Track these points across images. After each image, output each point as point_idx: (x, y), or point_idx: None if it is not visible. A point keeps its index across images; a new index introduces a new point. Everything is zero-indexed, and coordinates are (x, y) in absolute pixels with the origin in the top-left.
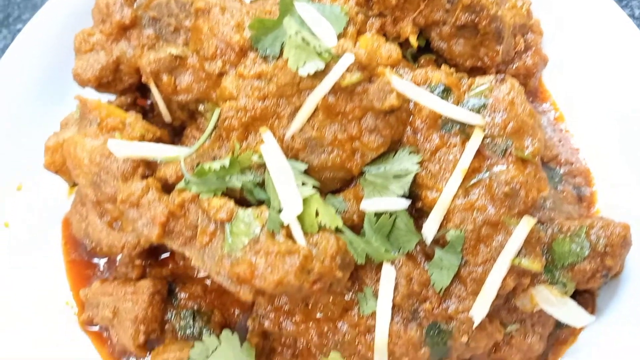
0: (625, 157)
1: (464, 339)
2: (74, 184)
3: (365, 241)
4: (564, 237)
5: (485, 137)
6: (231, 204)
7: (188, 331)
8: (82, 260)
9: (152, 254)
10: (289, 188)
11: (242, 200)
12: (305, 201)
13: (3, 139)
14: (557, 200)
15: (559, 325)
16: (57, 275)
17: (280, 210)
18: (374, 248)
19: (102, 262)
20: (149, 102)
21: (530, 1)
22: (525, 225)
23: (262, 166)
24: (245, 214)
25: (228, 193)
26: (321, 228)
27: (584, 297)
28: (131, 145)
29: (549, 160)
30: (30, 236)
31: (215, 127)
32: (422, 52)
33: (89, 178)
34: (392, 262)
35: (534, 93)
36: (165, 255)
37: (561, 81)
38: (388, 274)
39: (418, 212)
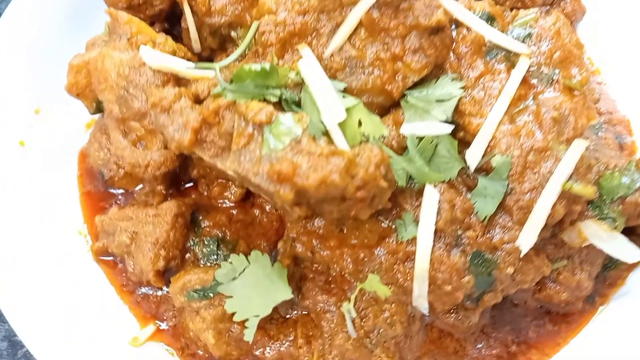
0: None
1: (510, 270)
2: (95, 111)
3: (408, 159)
4: (612, 172)
5: (531, 66)
6: (271, 107)
7: (212, 258)
8: (98, 191)
9: (174, 182)
10: (330, 96)
11: None
12: (348, 111)
13: (25, 59)
14: (599, 145)
15: (606, 267)
16: (71, 205)
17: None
18: (416, 167)
19: (118, 194)
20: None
21: None
22: (577, 148)
23: (299, 86)
24: (286, 118)
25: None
26: (363, 140)
27: (633, 240)
28: (164, 57)
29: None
30: (44, 162)
31: (251, 44)
32: None
33: (115, 92)
34: (435, 186)
35: None
36: (188, 185)
37: (597, 35)
38: (431, 195)
39: (460, 144)
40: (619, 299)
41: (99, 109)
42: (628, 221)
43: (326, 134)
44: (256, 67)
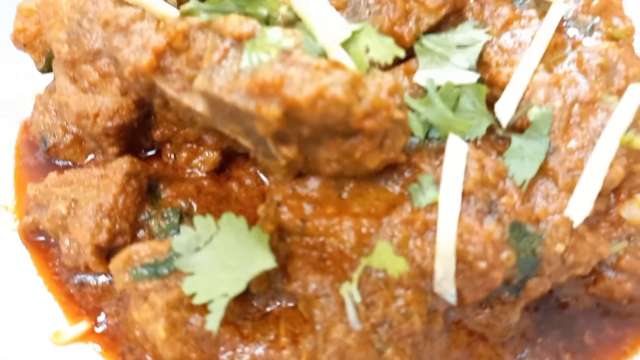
0: None
1: (559, 247)
2: (44, 68)
3: (427, 102)
4: None
5: (565, 14)
6: (255, 21)
7: (171, 234)
8: (38, 164)
9: (132, 148)
10: (328, 13)
11: None
12: (353, 35)
13: None
14: None
15: None
16: (2, 177)
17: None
18: (438, 112)
19: (63, 167)
20: None
21: None
22: (634, 94)
23: (291, 24)
24: (273, 31)
25: None
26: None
27: None
28: None
29: None
30: None
31: None
32: None
33: (66, 28)
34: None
35: None
36: (151, 154)
37: None
38: (456, 146)
39: (486, 102)
40: None
41: (48, 64)
42: None
43: (324, 56)
44: None
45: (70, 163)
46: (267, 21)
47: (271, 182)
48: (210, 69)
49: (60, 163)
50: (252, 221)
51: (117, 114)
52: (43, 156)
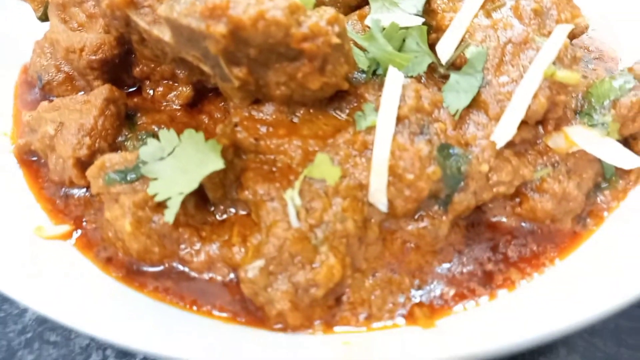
0: None
1: (484, 167)
2: (42, 16)
3: (369, 37)
4: (602, 80)
5: None
6: None
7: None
8: (34, 99)
9: (116, 82)
10: None
11: None
12: None
13: None
14: (588, 72)
15: (598, 186)
16: (2, 110)
17: None
18: (379, 47)
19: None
20: None
21: None
22: (561, 32)
23: None
24: None
25: None
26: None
27: None
28: None
29: (579, 30)
30: None
31: None
32: None
33: None
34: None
35: None
36: (132, 90)
37: None
38: (394, 77)
39: (432, 46)
40: (614, 220)
41: (46, 13)
42: (622, 128)
43: None
44: None
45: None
46: None
47: (231, 107)
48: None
49: (53, 99)
50: None
51: (100, 48)
52: (39, 93)
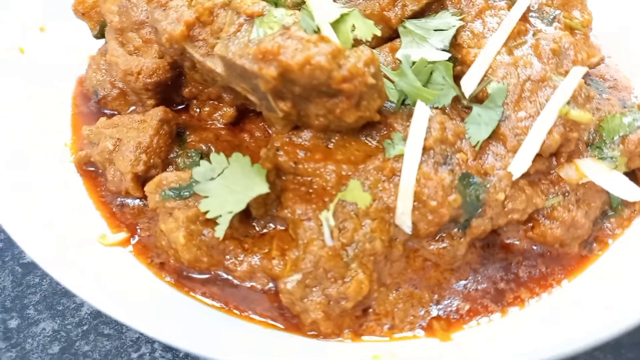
0: None
1: (501, 195)
2: (98, 34)
3: (400, 73)
4: (614, 115)
5: (531, 6)
6: (265, 2)
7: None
8: (90, 112)
9: (166, 101)
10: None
11: None
12: (343, 16)
13: None
14: (602, 103)
15: (605, 214)
16: (62, 121)
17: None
18: (409, 82)
19: (110, 115)
20: None
21: None
22: (575, 74)
23: (298, 6)
24: (278, 11)
25: None
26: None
27: None
28: None
29: (594, 65)
30: (42, 76)
31: None
32: None
33: (117, 2)
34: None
35: None
36: (180, 107)
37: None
38: (422, 111)
39: (457, 78)
40: (618, 247)
41: (102, 32)
42: (629, 162)
43: (318, 32)
44: None
45: (116, 112)
46: (276, 3)
47: (273, 132)
48: (227, 39)
49: (108, 112)
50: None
51: (155, 72)
52: (94, 106)
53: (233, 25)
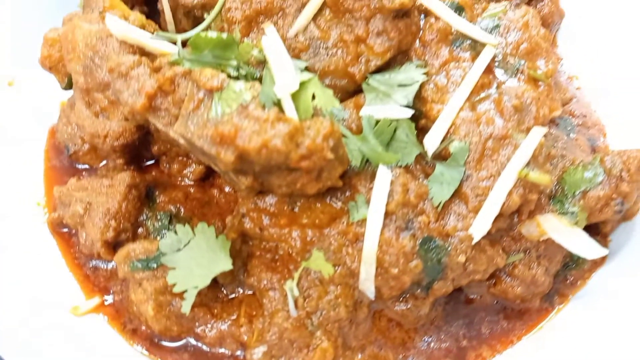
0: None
1: (461, 258)
2: (66, 86)
3: (362, 138)
4: (576, 167)
5: (495, 56)
6: (224, 75)
7: (163, 233)
8: (63, 166)
9: (136, 159)
10: (285, 67)
11: None
12: (303, 85)
13: (1, 31)
14: (569, 145)
15: (566, 266)
16: (34, 177)
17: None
18: (371, 147)
19: (83, 169)
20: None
21: None
22: (534, 135)
23: (262, 63)
24: (237, 84)
25: None
26: (316, 115)
27: (596, 240)
28: (129, 27)
29: (562, 103)
30: (13, 134)
31: (217, 20)
32: None
33: (82, 62)
34: (390, 169)
35: None
36: (150, 163)
37: (576, 41)
38: (383, 175)
39: (420, 132)
40: (578, 299)
41: (70, 84)
42: (590, 217)
43: (278, 104)
44: (212, 34)
45: (87, 166)
46: (237, 68)
47: (238, 197)
48: (187, 116)
49: (80, 166)
50: (226, 221)
51: (122, 135)
52: (67, 159)
53: (192, 102)
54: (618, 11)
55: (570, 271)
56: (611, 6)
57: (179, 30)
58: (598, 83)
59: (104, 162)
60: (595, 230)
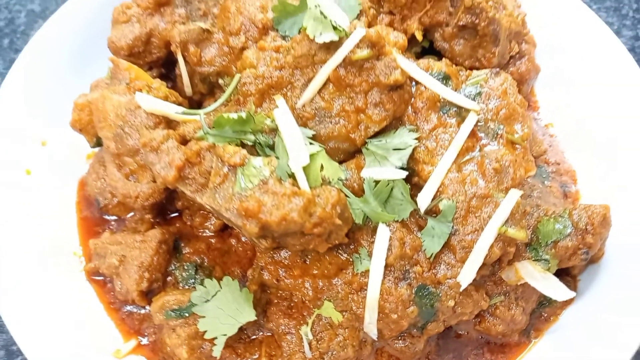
0: (607, 160)
1: (451, 303)
2: (95, 145)
3: (364, 200)
4: (549, 219)
5: (478, 121)
6: (244, 151)
7: (190, 281)
8: (94, 217)
9: (161, 212)
10: (297, 142)
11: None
12: (312, 157)
13: (36, 97)
14: (544, 193)
15: (541, 304)
16: (69, 229)
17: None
18: (371, 208)
19: (112, 220)
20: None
21: (525, 12)
22: (512, 197)
23: (274, 131)
24: (257, 161)
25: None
26: (324, 182)
27: (567, 281)
28: (157, 101)
29: (538, 155)
30: (48, 189)
31: (233, 93)
32: (425, 54)
33: (112, 131)
34: (388, 225)
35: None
36: (174, 215)
37: (552, 91)
38: (383, 233)
39: (413, 187)
40: (552, 333)
41: (98, 143)
42: (560, 263)
43: (292, 176)
44: (233, 115)
45: (116, 217)
46: (254, 139)
47: (257, 251)
48: (214, 190)
49: (109, 218)
50: (245, 270)
51: (152, 196)
52: (97, 211)
53: (218, 177)
54: (588, 69)
55: (544, 309)
56: (582, 64)
57: (195, 92)
58: (570, 130)
59: (132, 213)
60: (566, 271)
